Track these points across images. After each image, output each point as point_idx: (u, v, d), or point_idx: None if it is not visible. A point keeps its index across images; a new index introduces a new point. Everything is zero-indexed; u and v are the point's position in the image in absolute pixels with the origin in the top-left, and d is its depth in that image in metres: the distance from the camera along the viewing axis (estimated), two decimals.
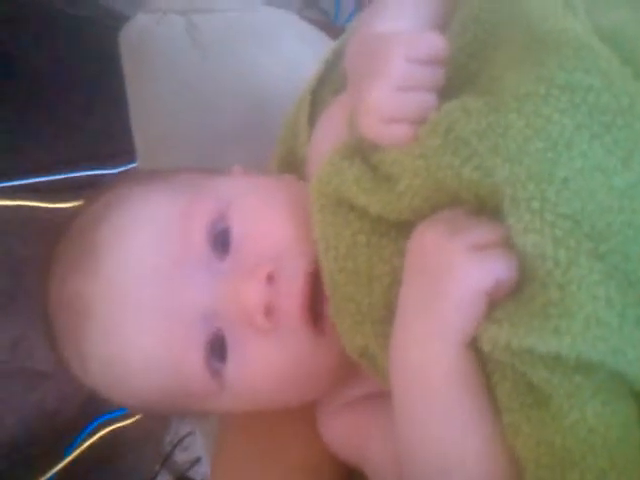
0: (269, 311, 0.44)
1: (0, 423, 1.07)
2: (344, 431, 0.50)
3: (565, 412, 0.34)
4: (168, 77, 0.87)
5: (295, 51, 0.86)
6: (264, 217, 0.47)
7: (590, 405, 0.34)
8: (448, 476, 0.38)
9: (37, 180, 1.09)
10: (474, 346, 0.37)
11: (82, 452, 1.19)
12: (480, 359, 0.37)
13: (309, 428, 0.52)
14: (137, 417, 1.28)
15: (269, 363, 0.45)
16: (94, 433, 1.21)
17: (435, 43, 0.41)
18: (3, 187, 1.05)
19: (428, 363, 0.37)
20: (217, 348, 0.45)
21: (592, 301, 0.33)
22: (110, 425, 1.23)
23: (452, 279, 0.36)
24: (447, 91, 0.42)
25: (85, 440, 1.19)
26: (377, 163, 0.43)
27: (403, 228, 0.42)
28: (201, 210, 0.46)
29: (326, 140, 0.49)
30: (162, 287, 0.45)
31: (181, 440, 1.42)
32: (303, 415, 0.52)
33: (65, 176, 1.11)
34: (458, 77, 0.43)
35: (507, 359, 0.36)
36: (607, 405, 0.34)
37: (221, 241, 0.46)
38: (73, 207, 1.05)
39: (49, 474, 1.15)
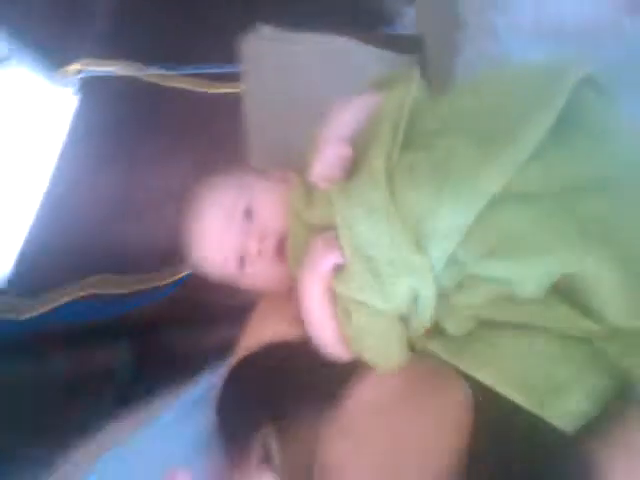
0: (260, 252, 0.89)
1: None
2: None
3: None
4: (269, 85, 1.22)
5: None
6: (267, 208, 0.91)
7: None
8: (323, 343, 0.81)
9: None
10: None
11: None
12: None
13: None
14: None
15: (259, 272, 0.91)
16: None
17: (344, 151, 0.81)
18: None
19: (311, 290, 0.81)
20: (242, 262, 0.92)
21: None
22: None
23: (316, 262, 0.79)
24: (415, 144, 0.76)
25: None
26: (315, 195, 0.84)
27: (320, 231, 0.82)
28: (243, 200, 0.91)
29: None
30: (222, 233, 0.91)
31: None
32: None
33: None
34: (423, 142, 0.76)
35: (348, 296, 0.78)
36: None
37: (248, 217, 0.91)
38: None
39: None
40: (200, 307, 1.63)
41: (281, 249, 0.88)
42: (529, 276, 0.69)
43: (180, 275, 1.60)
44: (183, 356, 1.52)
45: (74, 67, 1.62)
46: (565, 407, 0.66)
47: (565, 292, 0.69)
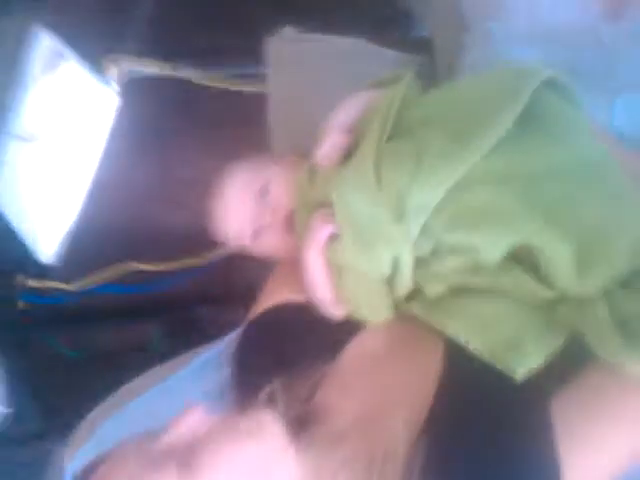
0: (271, 225, 1.02)
1: None
2: None
3: None
4: (290, 83, 1.33)
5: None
6: (279, 187, 1.03)
7: None
8: (321, 303, 0.93)
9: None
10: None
11: None
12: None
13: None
14: None
15: (271, 242, 1.04)
16: None
17: (343, 140, 0.95)
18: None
19: (310, 257, 0.93)
20: (256, 234, 1.04)
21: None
22: None
23: (315, 233, 0.91)
24: (402, 134, 0.88)
25: None
26: (318, 176, 0.96)
27: (319, 208, 0.94)
28: (259, 181, 1.04)
29: None
30: (240, 208, 1.04)
31: None
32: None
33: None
34: (408, 132, 0.89)
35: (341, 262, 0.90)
36: None
37: (263, 195, 1.03)
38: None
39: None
40: (228, 289, 1.77)
41: (290, 222, 1.00)
42: (491, 246, 0.81)
43: (209, 258, 1.74)
44: (211, 333, 1.65)
45: (118, 66, 1.78)
46: (525, 364, 0.75)
47: (525, 262, 0.81)
